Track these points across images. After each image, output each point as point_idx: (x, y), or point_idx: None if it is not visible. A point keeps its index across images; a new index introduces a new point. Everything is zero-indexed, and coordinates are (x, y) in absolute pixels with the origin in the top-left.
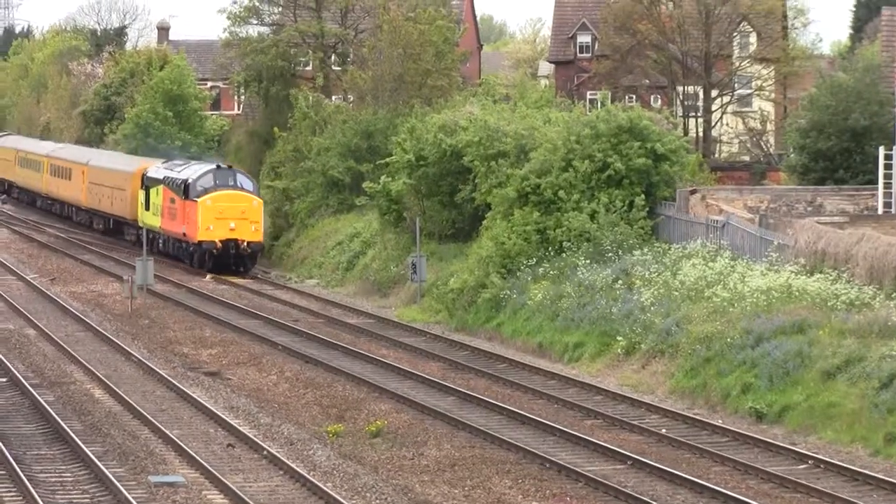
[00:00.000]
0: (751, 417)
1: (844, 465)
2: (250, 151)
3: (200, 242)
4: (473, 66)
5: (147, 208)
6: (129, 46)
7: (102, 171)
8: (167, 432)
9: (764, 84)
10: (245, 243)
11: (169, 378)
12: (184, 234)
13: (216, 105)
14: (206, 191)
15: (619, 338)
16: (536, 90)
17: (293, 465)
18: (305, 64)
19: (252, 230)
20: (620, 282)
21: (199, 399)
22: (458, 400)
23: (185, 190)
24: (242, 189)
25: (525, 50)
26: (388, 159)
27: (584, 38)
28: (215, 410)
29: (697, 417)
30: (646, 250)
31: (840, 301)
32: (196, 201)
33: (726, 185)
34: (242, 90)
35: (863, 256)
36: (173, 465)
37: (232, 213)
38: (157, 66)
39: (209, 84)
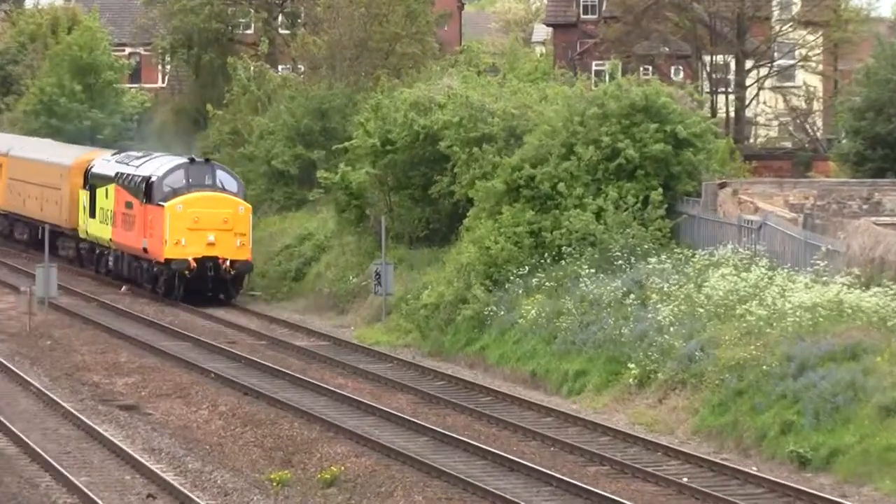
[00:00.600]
0: (792, 464)
1: None
2: (177, 133)
3: (168, 261)
4: (453, 29)
5: (92, 214)
6: (29, 4)
7: (28, 165)
8: (73, 479)
9: (810, 53)
10: (227, 262)
11: (76, 413)
12: (145, 251)
13: (136, 77)
14: (175, 192)
15: (630, 365)
16: (530, 60)
17: None
18: (246, 26)
19: (237, 245)
20: (633, 296)
21: (112, 439)
22: (431, 441)
23: (146, 191)
24: (224, 190)
25: (517, 10)
26: (346, 144)
27: (589, 1)
28: (132, 453)
29: (727, 463)
30: (664, 257)
31: None
32: (162, 206)
33: (763, 178)
34: (168, 58)
35: None
36: None
37: (211, 221)
38: (65, 29)
39: (127, 51)
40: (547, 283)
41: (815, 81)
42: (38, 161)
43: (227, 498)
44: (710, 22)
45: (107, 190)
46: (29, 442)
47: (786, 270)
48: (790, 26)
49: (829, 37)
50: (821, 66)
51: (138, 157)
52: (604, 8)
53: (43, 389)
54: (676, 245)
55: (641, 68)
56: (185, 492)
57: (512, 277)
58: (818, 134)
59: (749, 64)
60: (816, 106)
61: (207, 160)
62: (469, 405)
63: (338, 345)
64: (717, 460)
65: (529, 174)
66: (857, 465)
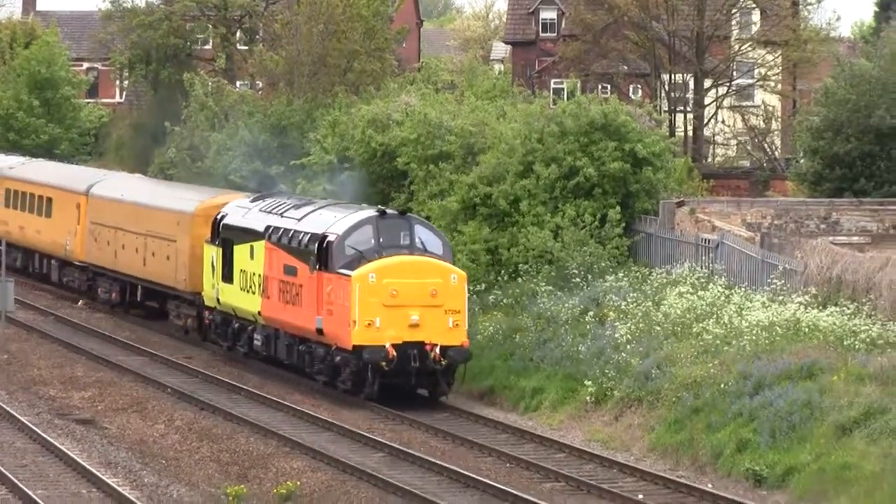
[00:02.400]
0: (748, 481)
1: None
2: (135, 149)
3: (358, 349)
4: (412, 46)
5: (226, 278)
6: None
7: (121, 208)
8: (29, 493)
9: (769, 73)
10: (436, 349)
11: (32, 426)
12: (319, 333)
13: (93, 91)
14: (363, 257)
15: (587, 382)
16: (489, 77)
17: None
18: (204, 42)
19: (449, 326)
20: (590, 314)
21: (68, 452)
22: (387, 457)
23: (320, 253)
24: (427, 252)
25: (475, 27)
26: (304, 160)
27: (547, 14)
28: (89, 467)
29: (682, 481)
30: (621, 275)
31: (859, 340)
32: (347, 276)
33: (721, 197)
34: (126, 73)
35: (888, 285)
36: None
37: (414, 296)
38: (22, 44)
39: (85, 66)
40: (504, 301)
41: (774, 101)
42: (140, 204)
43: None
44: (668, 41)
45: (251, 248)
46: None
47: (743, 289)
48: (749, 46)
49: (788, 56)
50: (780, 86)
51: (298, 206)
52: (563, 26)
53: None
54: (634, 263)
55: (600, 87)
56: None
57: (469, 294)
58: (776, 153)
59: (708, 83)
60: (775, 125)
61: (403, 212)
62: (425, 422)
63: None
64: (673, 477)
65: (486, 192)
66: (812, 483)
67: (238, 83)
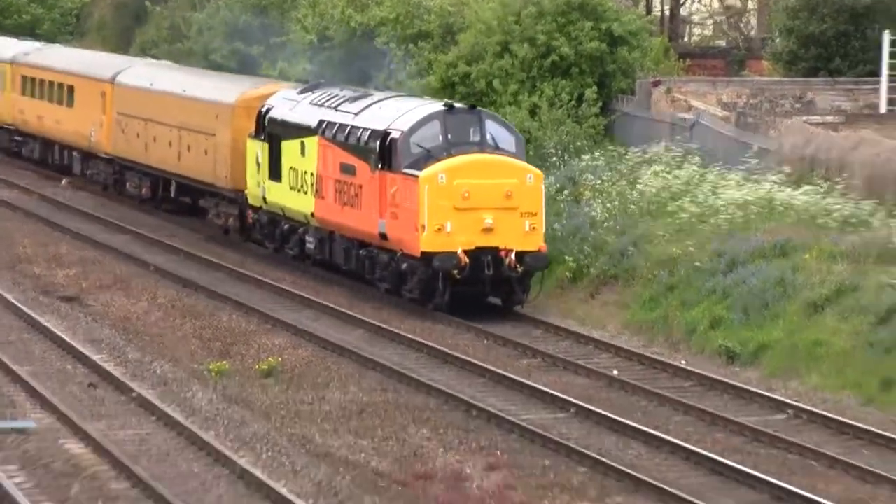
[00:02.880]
0: (721, 358)
1: (831, 415)
2: (116, 30)
3: (427, 256)
4: None
5: (274, 176)
6: None
7: (152, 98)
8: (15, 369)
9: None
10: (512, 256)
11: (17, 304)
12: (383, 238)
13: None
14: (430, 155)
15: (567, 258)
16: None
17: (167, 410)
18: None
19: (525, 230)
20: (566, 192)
21: (54, 329)
22: (367, 333)
23: (383, 151)
24: (499, 149)
25: None
26: (284, 38)
27: None
28: (74, 343)
29: (656, 357)
30: (598, 154)
31: (832, 218)
32: (415, 177)
33: (697, 76)
34: None
35: (861, 164)
36: (24, 409)
37: (487, 198)
38: None
39: None
40: None
41: None
42: (174, 94)
43: (166, 387)
44: None
45: (302, 144)
46: None
47: (718, 168)
48: None
49: None
50: None
51: (354, 99)
52: None
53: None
54: (610, 142)
55: None
56: (126, 381)
57: None
58: (752, 33)
59: None
60: (751, 5)
61: (473, 106)
62: (404, 301)
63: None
64: (647, 354)
65: (465, 71)
66: (784, 359)
67: None
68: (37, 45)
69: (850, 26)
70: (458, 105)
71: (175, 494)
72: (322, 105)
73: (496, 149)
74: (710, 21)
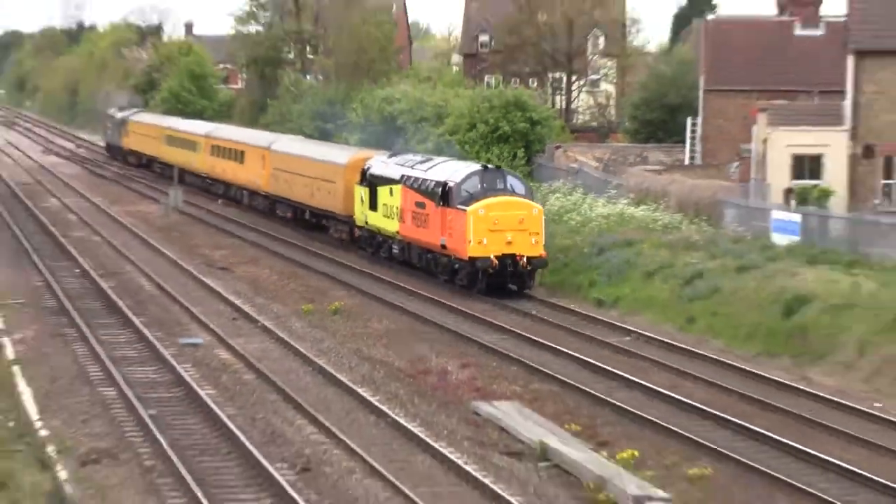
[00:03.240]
0: (595, 304)
1: (658, 337)
2: (249, 115)
3: (472, 259)
4: (406, 56)
5: (372, 207)
6: (165, 39)
7: (293, 159)
8: (192, 308)
9: (608, 72)
10: (524, 259)
11: (192, 271)
12: (443, 247)
13: (226, 81)
14: (473, 197)
15: None
16: (450, 74)
17: (278, 332)
18: (288, 52)
19: (532, 243)
20: None
21: (213, 286)
22: (392, 288)
23: (443, 195)
24: (515, 193)
25: (443, 45)
26: (346, 120)
27: (484, 38)
28: (224, 294)
29: (558, 304)
30: None
31: (657, 224)
32: (464, 210)
33: (581, 143)
34: (244, 71)
35: (674, 193)
36: (195, 331)
37: (508, 223)
38: (184, 53)
39: (221, 66)
40: None
41: (611, 88)
42: (307, 158)
43: (277, 320)
44: (552, 54)
45: (391, 189)
46: (166, 287)
47: (592, 196)
48: (598, 57)
49: (619, 63)
50: (615, 80)
51: (422, 162)
52: (493, 45)
53: (174, 258)
54: (532, 181)
55: (513, 80)
56: (254, 315)
57: None
58: (612, 118)
59: (574, 78)
60: (612, 102)
61: (498, 167)
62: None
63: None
64: (553, 301)
65: (448, 139)
66: (631, 305)
67: (307, 76)
68: (216, 125)
69: (668, 115)
70: (489, 166)
71: (282, 382)
72: (403, 165)
73: (513, 193)
74: (588, 111)
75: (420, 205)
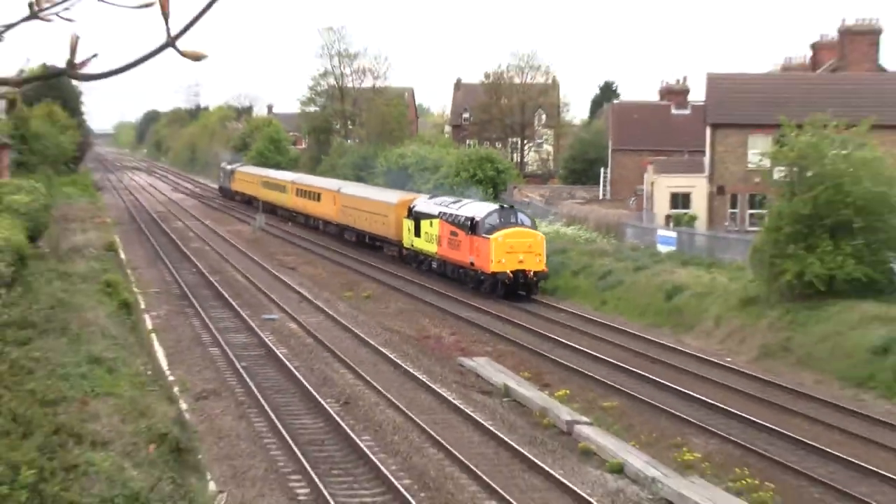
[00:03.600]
0: (541, 292)
1: (581, 314)
2: (309, 167)
3: (494, 273)
4: (414, 127)
5: (417, 235)
6: (254, 115)
7: (356, 199)
8: (270, 294)
9: (548, 138)
10: (532, 273)
11: (270, 269)
12: (472, 264)
13: (294, 143)
14: (494, 228)
15: None
16: (443, 139)
17: (328, 311)
18: (335, 124)
19: (537, 261)
20: None
21: (285, 279)
22: (407, 282)
23: (472, 227)
24: (524, 226)
25: (438, 120)
26: (375, 169)
27: (465, 115)
28: (292, 284)
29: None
30: None
31: (581, 239)
32: (488, 238)
33: (530, 184)
34: (306, 137)
35: (592, 218)
36: (273, 310)
37: (520, 247)
38: (267, 125)
39: (291, 133)
40: None
41: (550, 148)
42: (366, 198)
43: (327, 301)
44: (510, 125)
45: (431, 222)
46: (254, 280)
47: (539, 219)
48: (541, 127)
49: (556, 131)
50: (552, 142)
51: (454, 203)
52: (472, 119)
53: (259, 261)
54: None
55: (485, 143)
56: (312, 299)
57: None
58: (551, 168)
59: (526, 142)
60: (551, 157)
61: (511, 206)
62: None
63: (377, 251)
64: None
65: (442, 182)
66: (564, 293)
67: (349, 140)
68: (299, 174)
69: (588, 166)
70: (505, 205)
71: (330, 343)
72: (439, 204)
73: (523, 225)
74: (536, 163)
75: (454, 233)
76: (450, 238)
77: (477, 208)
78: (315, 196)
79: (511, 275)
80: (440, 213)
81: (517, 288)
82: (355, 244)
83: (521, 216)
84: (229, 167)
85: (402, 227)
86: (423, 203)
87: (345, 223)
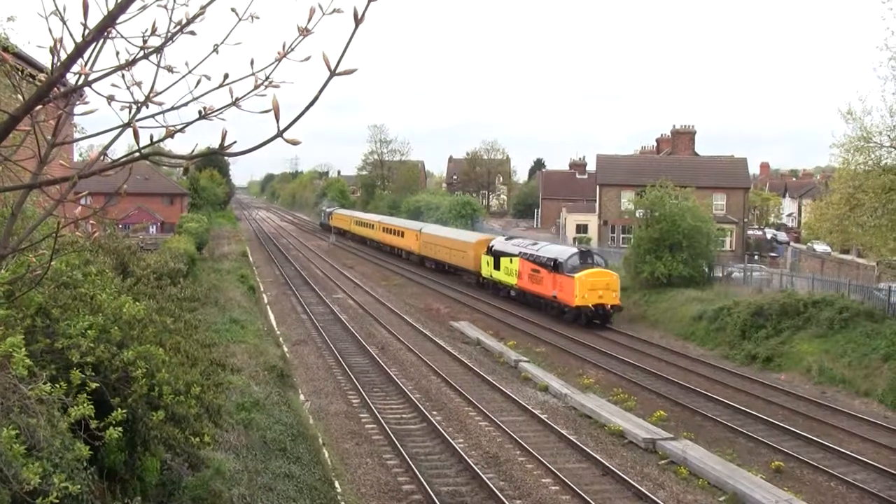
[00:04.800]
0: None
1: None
2: (361, 206)
3: (578, 307)
4: (423, 183)
5: (496, 268)
6: (330, 175)
7: (437, 237)
8: (336, 283)
9: (503, 191)
10: (609, 306)
11: (338, 268)
12: (554, 298)
13: (353, 193)
14: (575, 269)
15: None
16: (441, 191)
17: (371, 292)
18: (377, 181)
19: (613, 297)
20: None
21: (347, 275)
22: (427, 277)
23: (555, 266)
24: (600, 266)
25: (438, 179)
26: (401, 210)
27: (455, 177)
28: (351, 277)
29: (487, 282)
30: None
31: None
32: (572, 276)
33: (493, 218)
34: (360, 189)
35: (529, 237)
36: (338, 292)
37: (599, 285)
38: (337, 182)
39: (351, 186)
40: None
41: (505, 196)
42: (446, 237)
43: (371, 287)
44: (481, 183)
45: (511, 259)
46: (327, 275)
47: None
48: (499, 184)
49: (508, 187)
50: (507, 193)
51: (532, 244)
52: (458, 179)
53: (332, 264)
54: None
55: (468, 193)
56: (361, 285)
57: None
58: (506, 208)
59: (490, 192)
60: (506, 202)
61: (588, 250)
62: (434, 270)
63: (403, 260)
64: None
65: (440, 217)
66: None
67: (385, 191)
68: (384, 216)
69: (527, 208)
70: (583, 248)
71: (374, 313)
72: (518, 245)
73: (599, 266)
74: (496, 205)
75: (535, 270)
76: (531, 274)
77: (558, 250)
78: (398, 233)
79: (591, 308)
80: (520, 252)
81: (596, 319)
82: (435, 272)
83: (596, 258)
84: (328, 209)
85: (479, 260)
86: (501, 243)
87: (425, 254)
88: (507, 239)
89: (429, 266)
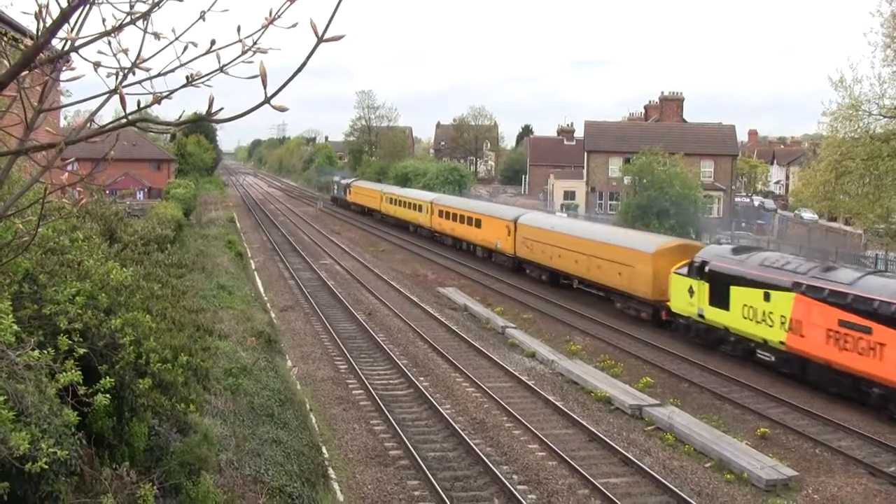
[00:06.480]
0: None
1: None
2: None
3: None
4: (411, 149)
5: (716, 304)
6: (318, 142)
7: (550, 233)
8: (324, 249)
9: (491, 157)
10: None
11: (325, 234)
12: None
13: (340, 158)
14: None
15: None
16: (429, 158)
17: (361, 260)
18: (364, 148)
19: None
20: None
21: (334, 240)
22: (435, 252)
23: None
24: None
25: (426, 145)
26: (389, 177)
27: (442, 143)
28: (339, 243)
29: (489, 258)
30: None
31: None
32: None
33: (480, 185)
34: (348, 155)
35: (519, 205)
36: (326, 258)
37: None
38: (325, 148)
39: (339, 153)
40: None
41: (493, 163)
42: (594, 239)
43: (366, 254)
44: (468, 149)
45: (767, 293)
46: (315, 242)
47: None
48: (487, 150)
49: (496, 153)
50: (495, 159)
51: (826, 270)
52: (445, 145)
53: (319, 230)
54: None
55: (454, 159)
56: (353, 254)
57: None
58: (494, 174)
59: (478, 158)
60: (493, 169)
61: None
62: (443, 246)
63: (413, 234)
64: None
65: (428, 183)
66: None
67: (372, 157)
68: (440, 195)
69: (515, 174)
70: None
71: (361, 279)
72: (783, 267)
73: None
74: (484, 171)
75: (851, 325)
76: (836, 330)
77: None
78: (476, 222)
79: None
80: (795, 283)
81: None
82: (539, 284)
83: None
84: (343, 181)
85: (660, 282)
86: (725, 259)
87: (525, 257)
88: (737, 252)
89: (531, 276)
